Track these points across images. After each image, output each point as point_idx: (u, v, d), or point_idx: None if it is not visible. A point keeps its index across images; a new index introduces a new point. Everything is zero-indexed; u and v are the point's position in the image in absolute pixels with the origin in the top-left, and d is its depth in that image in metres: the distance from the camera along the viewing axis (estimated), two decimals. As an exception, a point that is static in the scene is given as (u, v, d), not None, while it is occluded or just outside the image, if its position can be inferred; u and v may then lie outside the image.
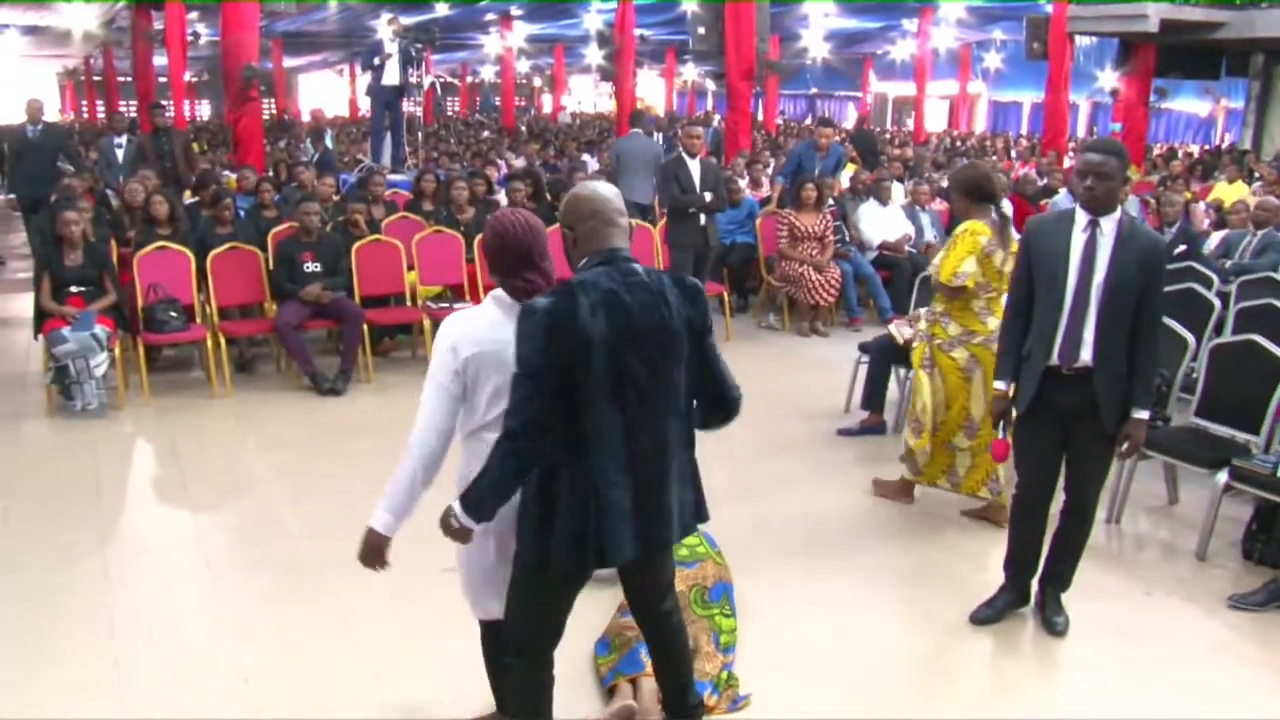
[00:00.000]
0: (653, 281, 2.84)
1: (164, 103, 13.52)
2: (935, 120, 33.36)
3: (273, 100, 31.39)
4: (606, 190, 2.94)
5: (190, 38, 18.43)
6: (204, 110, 37.75)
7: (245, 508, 5.55)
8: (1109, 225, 3.98)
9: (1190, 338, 5.59)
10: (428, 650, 4.03)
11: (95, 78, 32.89)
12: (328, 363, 7.64)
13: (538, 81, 44.00)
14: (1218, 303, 6.58)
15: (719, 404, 3.07)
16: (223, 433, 6.65)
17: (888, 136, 24.82)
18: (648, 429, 2.83)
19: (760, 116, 25.07)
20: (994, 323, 4.99)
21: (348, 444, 6.35)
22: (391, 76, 12.69)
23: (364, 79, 15.45)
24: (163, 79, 18.97)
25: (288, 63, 33.15)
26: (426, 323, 7.92)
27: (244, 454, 6.35)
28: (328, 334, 8.36)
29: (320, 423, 6.83)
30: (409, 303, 8.13)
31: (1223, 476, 4.90)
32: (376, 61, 12.68)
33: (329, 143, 14.23)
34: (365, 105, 19.97)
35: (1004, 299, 4.79)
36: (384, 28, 13.23)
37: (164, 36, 16.89)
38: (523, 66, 37.94)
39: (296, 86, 40.20)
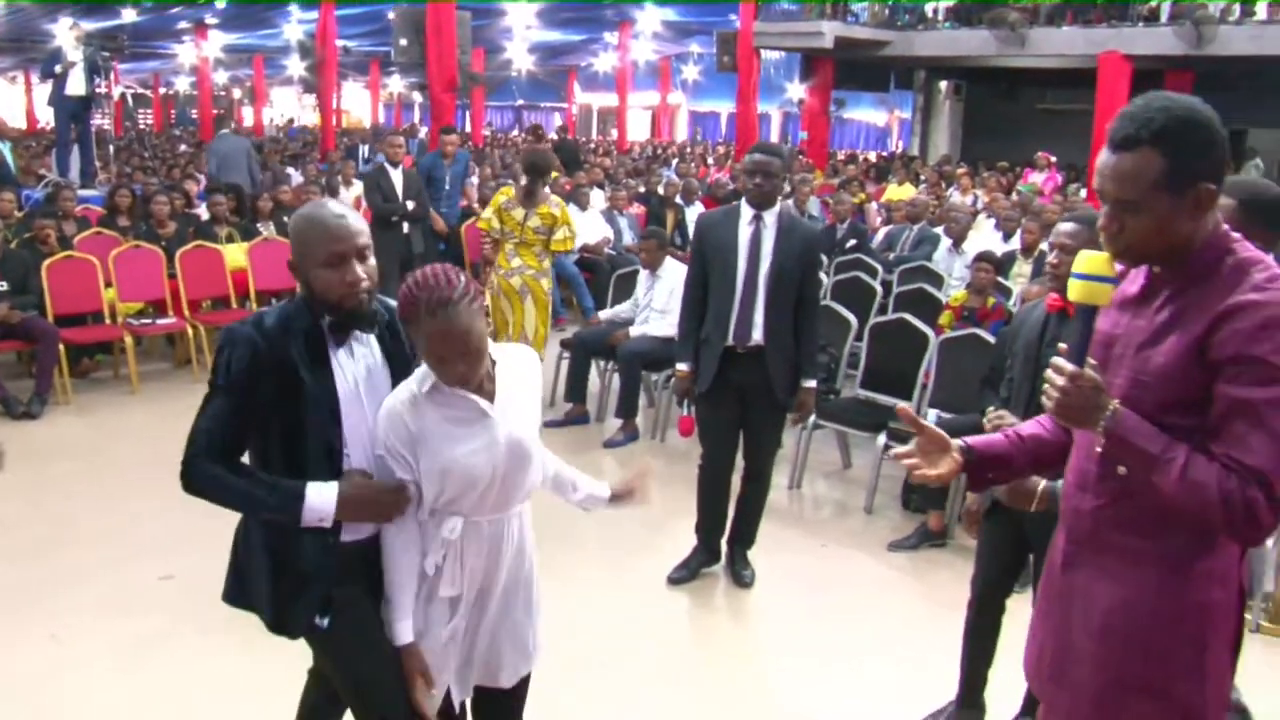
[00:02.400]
0: None
1: None
2: (639, 130, 34.57)
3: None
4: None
5: None
6: None
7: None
8: (771, 219, 4.50)
9: (853, 319, 6.29)
10: (136, 667, 4.05)
11: None
12: (21, 386, 7.29)
13: (237, 93, 42.41)
14: (880, 289, 7.39)
15: None
16: None
17: (591, 146, 25.56)
18: None
19: (468, 128, 25.28)
20: (517, 262, 6.38)
21: (50, 468, 6.13)
22: (76, 86, 12.01)
23: (44, 89, 14.54)
24: None
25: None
26: (129, 340, 7.71)
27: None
28: (18, 356, 7.94)
29: (16, 449, 6.52)
30: (108, 320, 7.87)
31: (882, 439, 5.58)
32: (58, 70, 11.96)
33: (7, 156, 13.31)
34: (45, 116, 18.75)
35: (530, 247, 6.36)
36: (65, 34, 12.49)
37: None
38: (220, 78, 36.53)
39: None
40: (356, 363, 2.50)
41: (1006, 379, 3.53)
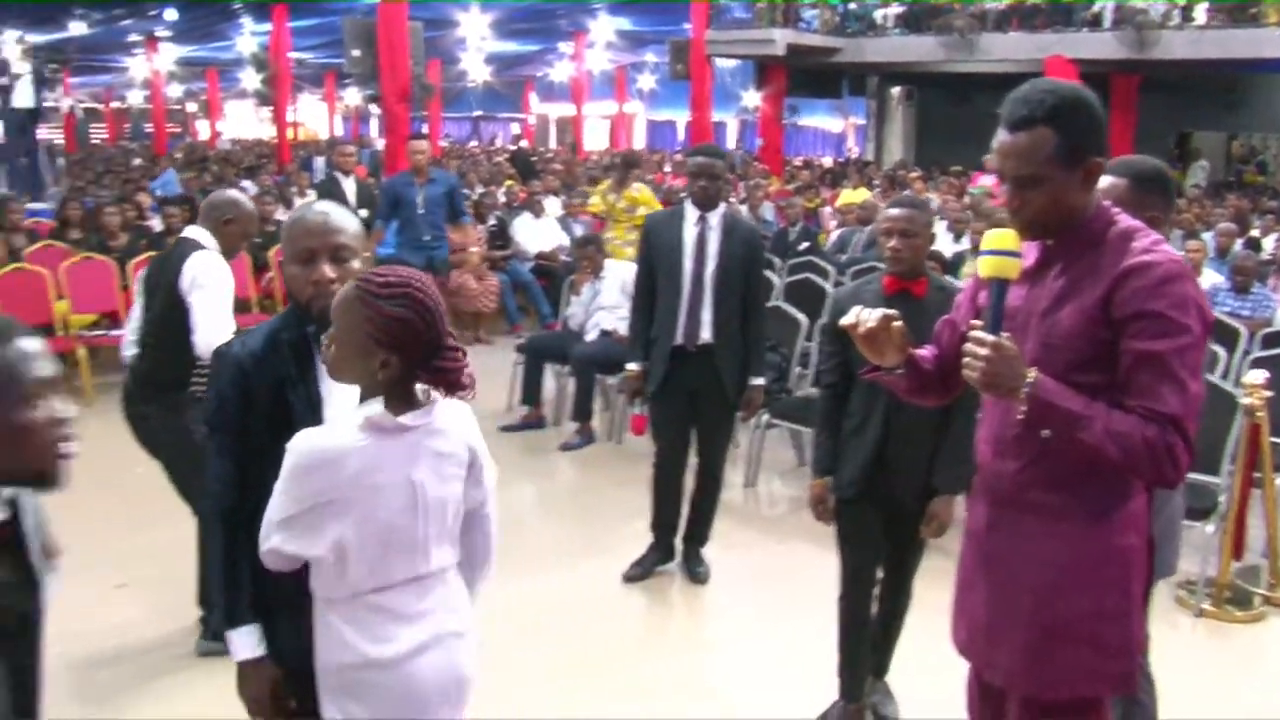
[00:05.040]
0: None
1: None
2: (597, 139, 34.66)
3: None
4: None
5: None
6: None
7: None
8: (715, 219, 4.58)
9: (804, 319, 6.37)
10: (86, 681, 4.05)
11: None
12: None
13: (192, 106, 42.10)
14: (831, 289, 7.47)
15: None
16: None
17: (549, 155, 25.63)
18: None
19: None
20: (609, 234, 8.15)
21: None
22: (23, 99, 11.94)
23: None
24: None
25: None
26: (81, 352, 7.66)
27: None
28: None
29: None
30: (60, 332, 7.82)
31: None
32: (4, 82, 11.89)
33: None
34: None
35: (619, 223, 8.11)
36: (11, 46, 12.39)
37: None
38: (175, 91, 36.26)
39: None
40: None
41: (834, 364, 3.50)
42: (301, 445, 2.03)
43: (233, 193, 3.87)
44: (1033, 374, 2.00)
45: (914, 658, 3.80)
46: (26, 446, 1.63)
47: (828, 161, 26.21)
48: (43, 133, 13.61)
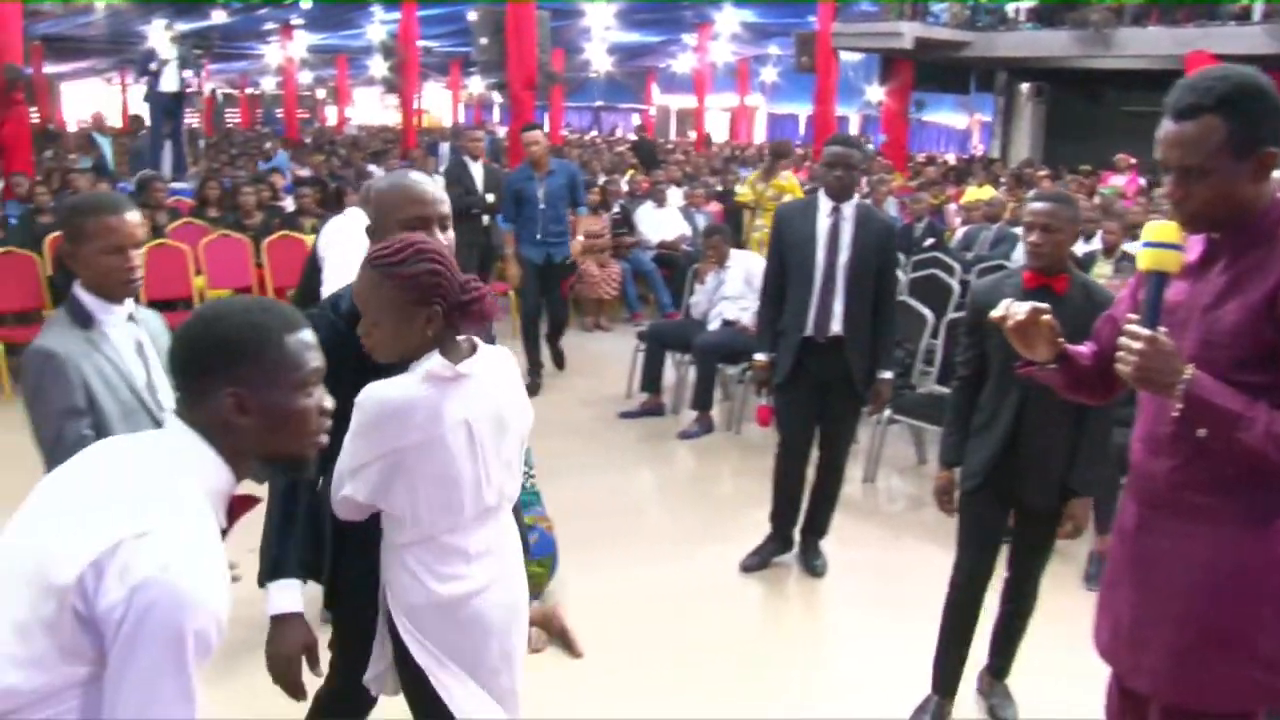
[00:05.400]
0: None
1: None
2: (717, 131, 34.57)
3: (35, 109, 29.80)
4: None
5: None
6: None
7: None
8: (849, 210, 4.53)
9: (930, 315, 6.27)
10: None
11: None
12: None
13: (321, 93, 43.17)
14: (957, 286, 7.33)
15: None
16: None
17: (670, 146, 25.65)
18: None
19: (546, 128, 25.42)
20: (759, 222, 8.41)
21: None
22: (169, 83, 12.42)
23: (139, 88, 15.01)
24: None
25: (50, 69, 31.47)
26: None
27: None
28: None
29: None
30: (198, 304, 8.11)
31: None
32: (153, 67, 12.39)
33: (107, 151, 13.79)
34: (141, 114, 19.26)
35: (768, 211, 7.31)
36: (159, 33, 12.91)
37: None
38: (305, 78, 37.20)
39: (59, 94, 38.13)
40: None
41: (970, 356, 3.46)
42: (370, 398, 2.13)
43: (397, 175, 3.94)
44: (1189, 370, 1.93)
45: (1036, 661, 3.71)
46: (297, 431, 1.70)
47: (951, 159, 25.71)
48: (186, 116, 14.11)
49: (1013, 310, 2.19)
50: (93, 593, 1.44)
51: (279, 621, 2.30)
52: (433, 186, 2.45)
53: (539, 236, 7.43)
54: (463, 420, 2.18)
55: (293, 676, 2.31)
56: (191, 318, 1.74)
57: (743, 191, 9.33)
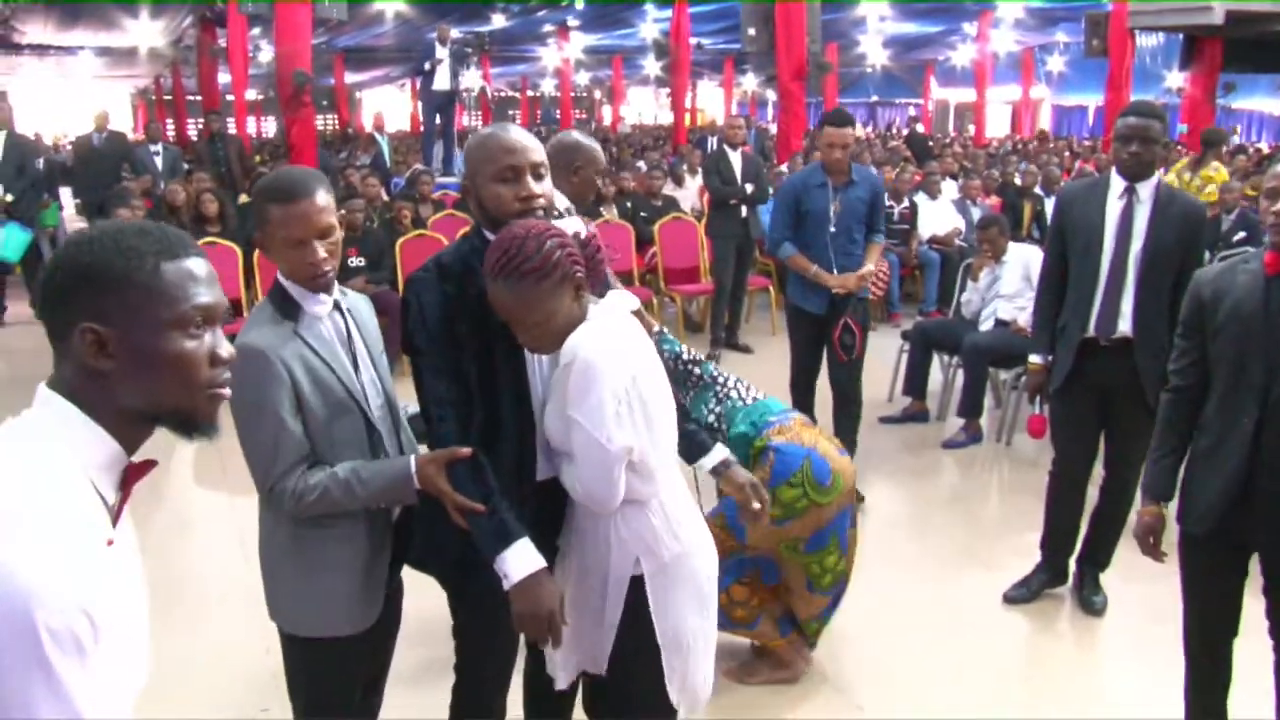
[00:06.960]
0: None
1: (217, 110, 13.84)
2: (998, 125, 33.06)
3: (335, 114, 31.94)
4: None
5: (252, 53, 18.76)
6: (269, 127, 38.42)
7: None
8: (1146, 192, 3.88)
9: (1241, 317, 5.44)
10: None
11: (165, 96, 33.62)
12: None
13: (597, 94, 44.26)
14: (1274, 285, 6.42)
15: None
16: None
17: (946, 141, 24.62)
18: None
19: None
20: None
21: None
22: (442, 81, 12.83)
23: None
24: (229, 96, 19.33)
25: (351, 78, 33.67)
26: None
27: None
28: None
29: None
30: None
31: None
32: (427, 66, 12.85)
33: (385, 149, 14.44)
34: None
35: None
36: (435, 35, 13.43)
37: (227, 53, 17.22)
38: (582, 79, 38.17)
39: (360, 102, 40.84)
40: None
41: (1189, 361, 2.85)
42: (581, 350, 2.12)
43: (576, 135, 3.53)
44: None
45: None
46: (176, 379, 1.39)
47: (1264, 147, 23.40)
48: (464, 119, 14.58)
49: None
50: None
51: (528, 582, 2.21)
52: (523, 135, 2.31)
53: (825, 264, 5.22)
54: (645, 347, 2.27)
55: (555, 626, 2.22)
56: (63, 244, 1.46)
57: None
